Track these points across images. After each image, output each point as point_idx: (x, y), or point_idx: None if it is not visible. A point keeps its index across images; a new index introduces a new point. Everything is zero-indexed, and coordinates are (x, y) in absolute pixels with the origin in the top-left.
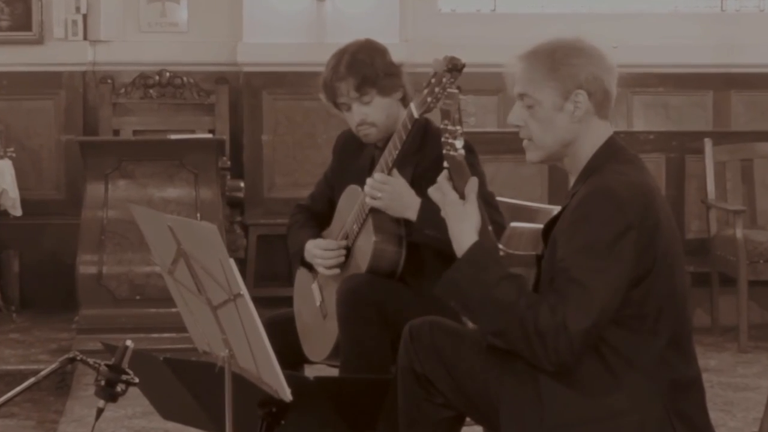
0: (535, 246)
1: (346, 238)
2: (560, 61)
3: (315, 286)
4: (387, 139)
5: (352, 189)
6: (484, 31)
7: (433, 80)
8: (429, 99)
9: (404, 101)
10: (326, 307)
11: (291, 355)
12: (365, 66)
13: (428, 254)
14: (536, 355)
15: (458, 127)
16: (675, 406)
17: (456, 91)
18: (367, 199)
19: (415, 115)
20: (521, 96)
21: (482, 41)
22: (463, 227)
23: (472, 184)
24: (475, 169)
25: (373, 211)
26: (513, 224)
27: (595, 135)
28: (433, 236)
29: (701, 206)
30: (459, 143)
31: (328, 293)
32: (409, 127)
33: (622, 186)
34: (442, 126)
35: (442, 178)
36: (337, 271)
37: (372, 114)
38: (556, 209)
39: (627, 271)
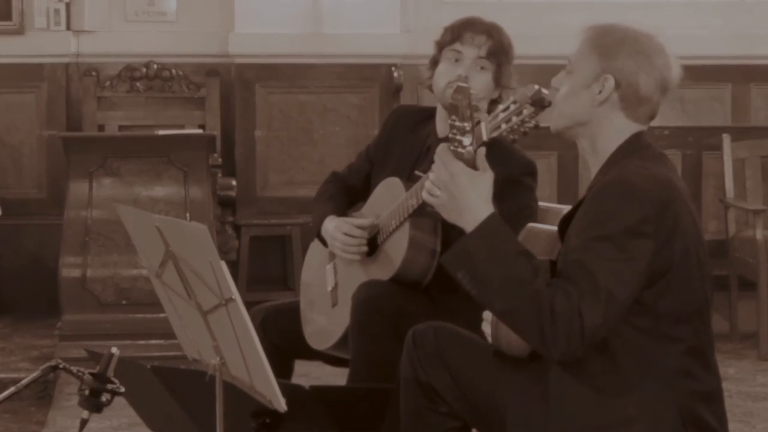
0: (551, 250)
1: (378, 233)
2: (609, 42)
3: (330, 268)
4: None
5: (392, 182)
6: (494, 20)
7: (511, 106)
8: (503, 126)
9: (491, 106)
10: (338, 295)
11: (288, 350)
12: (505, 38)
13: None
14: (545, 339)
15: (466, 124)
16: (692, 417)
17: (466, 85)
18: (424, 193)
19: (484, 137)
20: (569, 61)
21: None
22: (477, 196)
23: (482, 153)
24: (528, 194)
25: (413, 217)
26: (530, 225)
27: (616, 129)
28: None
29: (719, 206)
30: (467, 140)
31: (344, 281)
32: (477, 146)
33: (640, 178)
34: (449, 122)
35: (445, 148)
36: (355, 257)
37: (476, 81)
38: (565, 208)
39: (642, 266)
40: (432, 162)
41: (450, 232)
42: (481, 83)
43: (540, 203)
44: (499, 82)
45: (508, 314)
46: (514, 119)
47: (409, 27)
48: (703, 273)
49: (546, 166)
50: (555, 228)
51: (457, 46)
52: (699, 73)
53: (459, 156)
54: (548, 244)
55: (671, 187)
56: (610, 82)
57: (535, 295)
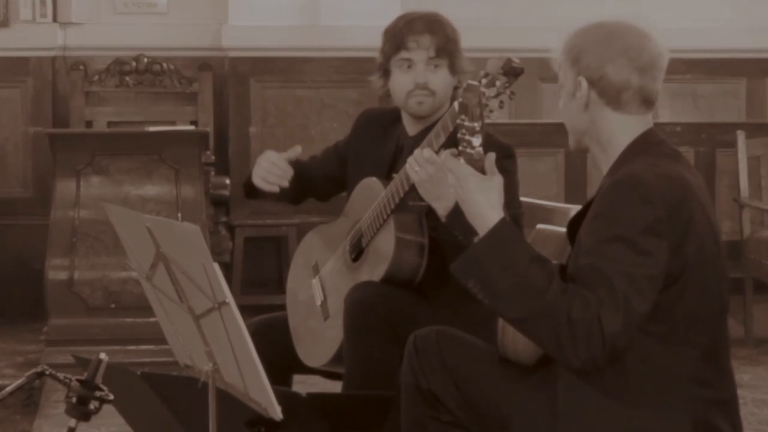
0: (561, 253)
1: (361, 235)
2: (574, 45)
3: (315, 282)
4: (420, 131)
5: (370, 182)
6: (494, 12)
7: (483, 80)
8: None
9: (454, 92)
10: (329, 308)
11: (282, 365)
12: (448, 28)
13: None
14: (563, 348)
15: (476, 124)
16: (706, 426)
17: (477, 83)
18: (407, 167)
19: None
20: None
21: (492, 23)
22: (486, 200)
23: (491, 159)
24: (508, 178)
25: (396, 213)
26: (539, 226)
27: (617, 127)
28: (459, 241)
29: (733, 205)
30: (476, 141)
31: (332, 292)
32: (451, 127)
33: (651, 176)
34: (458, 121)
35: (448, 155)
36: (275, 188)
37: (435, 82)
38: (573, 208)
39: (657, 268)
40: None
41: (434, 224)
42: (440, 82)
43: (546, 203)
44: (454, 70)
45: (524, 323)
46: (487, 92)
47: None
48: (718, 274)
49: (553, 164)
50: (564, 230)
51: (403, 53)
52: (712, 67)
53: (468, 157)
54: (558, 246)
55: (684, 185)
56: (583, 83)
57: (550, 302)
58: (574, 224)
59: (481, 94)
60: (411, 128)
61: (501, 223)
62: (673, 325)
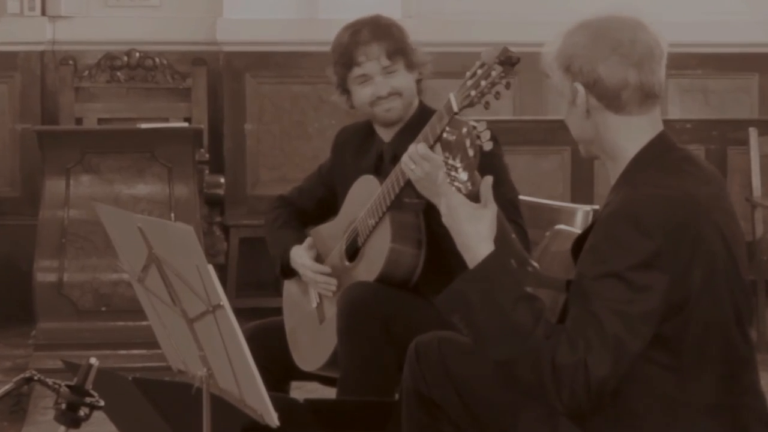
0: (572, 268)
1: (357, 234)
2: (563, 49)
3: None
4: (395, 135)
5: (367, 180)
6: (497, 6)
7: (479, 71)
8: (473, 93)
9: (418, 86)
10: (324, 311)
11: (279, 371)
12: (395, 30)
13: (451, 261)
14: (547, 392)
15: (459, 163)
16: None
17: (462, 119)
18: (402, 165)
19: (455, 108)
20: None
21: (494, 17)
22: (475, 231)
23: (487, 183)
24: (495, 161)
25: (392, 210)
26: (557, 227)
27: (622, 133)
28: None
29: (746, 205)
30: (463, 176)
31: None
32: (446, 120)
33: (650, 204)
34: (443, 159)
35: (443, 176)
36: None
37: (397, 85)
38: (579, 208)
39: (654, 304)
40: (389, 165)
41: (434, 221)
42: (403, 84)
43: (552, 202)
44: (412, 67)
45: (507, 364)
46: (483, 83)
47: (411, 12)
48: (734, 288)
49: (558, 162)
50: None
51: (356, 70)
52: (724, 62)
53: (457, 189)
54: (567, 261)
55: (690, 205)
56: (580, 89)
57: (535, 345)
58: (578, 244)
59: (470, 128)
60: (385, 135)
61: (489, 258)
62: (679, 353)
